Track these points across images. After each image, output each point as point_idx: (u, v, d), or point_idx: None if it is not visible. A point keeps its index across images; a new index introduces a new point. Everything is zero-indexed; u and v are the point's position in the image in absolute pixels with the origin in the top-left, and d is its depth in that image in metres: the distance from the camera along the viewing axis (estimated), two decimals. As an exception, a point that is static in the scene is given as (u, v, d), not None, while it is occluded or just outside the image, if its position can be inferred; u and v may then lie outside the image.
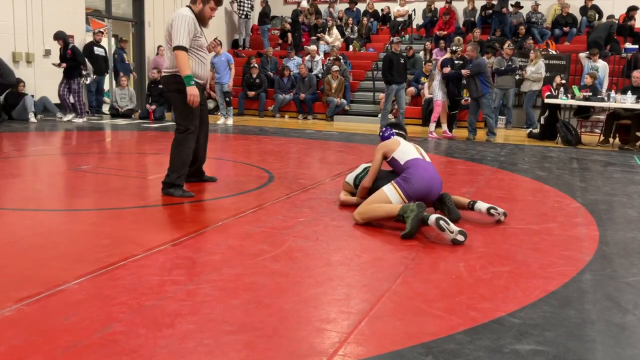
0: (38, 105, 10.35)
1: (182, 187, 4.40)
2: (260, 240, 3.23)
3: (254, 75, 12.67)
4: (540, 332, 2.17)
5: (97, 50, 11.53)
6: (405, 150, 3.90)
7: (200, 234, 3.35)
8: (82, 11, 11.72)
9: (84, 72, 10.35)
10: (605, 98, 9.00)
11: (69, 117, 10.15)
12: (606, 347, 2.07)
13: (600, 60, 11.23)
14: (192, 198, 4.30)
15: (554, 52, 12.53)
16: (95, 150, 7.09)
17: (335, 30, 14.67)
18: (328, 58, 13.39)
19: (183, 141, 4.41)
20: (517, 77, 11.15)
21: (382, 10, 15.69)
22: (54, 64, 10.17)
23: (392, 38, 14.17)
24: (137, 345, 1.95)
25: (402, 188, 3.66)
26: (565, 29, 13.63)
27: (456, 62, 9.50)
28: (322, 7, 16.06)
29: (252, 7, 15.45)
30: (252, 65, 12.72)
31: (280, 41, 15.53)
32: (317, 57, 13.55)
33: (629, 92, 8.75)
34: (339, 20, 15.47)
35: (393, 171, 3.98)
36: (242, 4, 15.12)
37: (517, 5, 13.78)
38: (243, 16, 15.32)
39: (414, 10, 14.94)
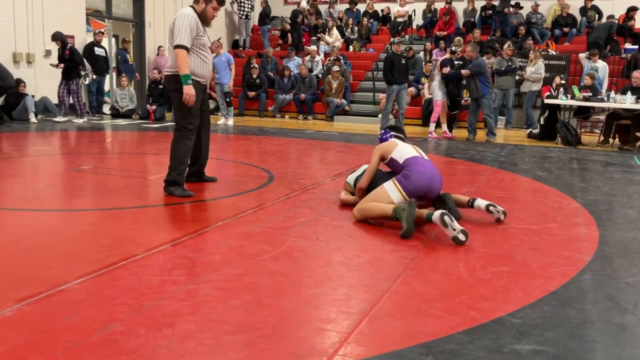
0: (38, 106, 10.35)
1: (182, 186, 4.42)
2: (260, 240, 3.23)
3: (254, 76, 12.67)
4: (540, 332, 2.17)
5: (98, 51, 11.53)
6: (403, 150, 3.91)
7: (200, 234, 3.35)
8: (83, 11, 11.72)
9: (82, 73, 10.32)
10: (605, 98, 9.01)
11: (63, 117, 10.07)
12: (606, 347, 2.07)
13: (600, 61, 11.23)
14: (192, 198, 4.30)
15: (554, 53, 12.53)
16: (95, 150, 7.09)
17: (335, 31, 14.67)
18: (328, 58, 13.40)
19: (181, 139, 4.43)
20: (517, 77, 11.16)
21: (382, 10, 15.70)
22: (52, 65, 10.16)
23: (392, 38, 14.20)
24: (137, 345, 1.95)
25: (403, 185, 3.67)
26: (565, 29, 13.63)
27: (456, 62, 9.50)
28: (322, 8, 16.06)
29: (252, 8, 15.45)
30: (252, 65, 12.72)
31: (280, 41, 15.53)
32: (317, 58, 13.55)
33: (629, 93, 8.75)
34: (339, 21, 15.47)
35: (392, 172, 3.99)
36: (242, 4, 15.12)
37: (517, 6, 13.78)
38: (243, 16, 15.32)
39: (414, 10, 14.94)
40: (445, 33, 13.89)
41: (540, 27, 13.70)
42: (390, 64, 9.71)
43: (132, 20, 13.26)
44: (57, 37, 9.88)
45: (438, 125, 9.69)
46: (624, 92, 8.89)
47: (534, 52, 11.28)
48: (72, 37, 11.35)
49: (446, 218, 3.27)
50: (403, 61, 9.83)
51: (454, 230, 3.27)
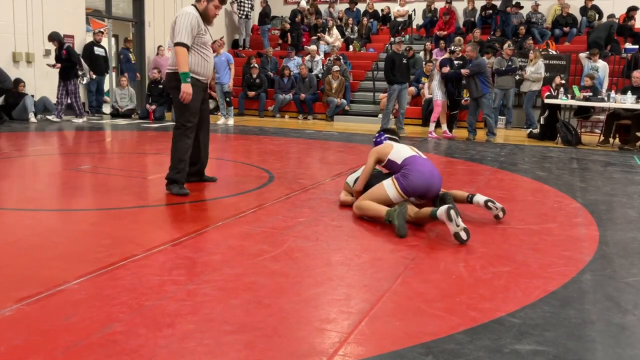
0: (38, 105, 10.35)
1: (180, 184, 4.44)
2: (260, 240, 3.23)
3: (254, 76, 12.67)
4: (540, 332, 2.17)
5: (97, 51, 11.53)
6: (400, 151, 3.92)
7: (200, 234, 3.35)
8: (82, 11, 11.72)
9: (79, 73, 10.26)
10: (605, 98, 9.00)
11: (56, 118, 9.99)
12: (606, 347, 2.07)
13: (600, 61, 11.23)
14: (192, 198, 4.30)
15: (554, 53, 12.53)
16: (95, 150, 7.09)
17: (335, 31, 14.67)
18: (328, 58, 13.39)
19: (180, 137, 4.46)
20: (517, 77, 11.16)
21: (382, 10, 15.69)
22: (48, 65, 10.11)
23: (392, 38, 14.19)
24: (137, 345, 1.95)
25: (401, 184, 3.69)
26: (565, 29, 13.63)
27: (456, 62, 9.50)
28: (322, 7, 16.06)
29: (252, 7, 15.45)
30: (252, 65, 12.72)
31: (280, 41, 15.53)
32: (317, 57, 13.55)
33: (629, 92, 8.75)
34: (339, 21, 15.47)
35: (390, 173, 3.98)
36: (242, 4, 15.12)
37: (517, 6, 13.78)
38: (243, 16, 15.31)
39: (414, 10, 14.94)
40: (445, 33, 13.89)
41: (540, 27, 13.70)
42: (392, 64, 9.70)
43: (132, 20, 13.26)
44: (54, 37, 9.86)
45: (438, 125, 9.69)
46: (624, 92, 8.89)
47: (534, 51, 11.28)
48: (72, 37, 11.36)
49: (452, 212, 3.27)
50: (404, 61, 9.82)
51: (458, 226, 3.27)
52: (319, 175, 5.60)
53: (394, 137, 4.30)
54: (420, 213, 3.59)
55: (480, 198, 3.90)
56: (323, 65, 13.38)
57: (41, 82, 10.58)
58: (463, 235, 3.27)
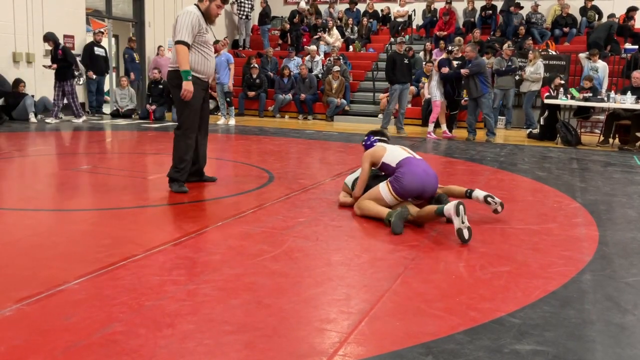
0: (38, 106, 10.34)
1: (180, 182, 4.48)
2: (260, 240, 3.23)
3: (254, 76, 12.67)
4: (540, 332, 2.17)
5: (98, 51, 11.52)
6: (394, 153, 3.92)
7: (200, 234, 3.35)
8: (82, 11, 11.72)
9: (76, 73, 10.18)
10: (605, 98, 9.00)
11: (54, 119, 9.93)
12: (606, 347, 2.08)
13: (600, 61, 11.23)
14: (192, 198, 4.30)
15: (554, 53, 12.53)
16: (95, 150, 7.09)
17: (335, 31, 14.67)
18: (328, 58, 13.40)
19: (182, 138, 4.50)
20: (517, 77, 11.16)
21: (382, 10, 15.70)
22: (44, 66, 10.06)
23: (392, 38, 14.19)
24: (137, 345, 1.95)
25: (394, 188, 3.71)
26: (565, 29, 13.63)
27: (455, 62, 9.49)
28: (322, 8, 16.06)
29: (252, 8, 15.44)
30: (252, 65, 12.71)
31: (280, 41, 15.54)
32: (317, 58, 13.55)
33: (629, 93, 8.75)
34: (338, 21, 15.47)
35: (386, 175, 3.98)
36: (242, 4, 15.12)
37: (517, 6, 13.78)
38: (243, 17, 15.31)
39: (414, 10, 14.94)
40: (445, 33, 13.90)
41: (540, 27, 13.70)
42: (393, 64, 9.70)
43: (132, 20, 13.27)
44: (49, 37, 9.79)
45: (437, 125, 9.69)
46: (624, 92, 8.89)
47: (533, 52, 11.28)
48: (72, 37, 11.36)
49: (461, 208, 3.28)
50: (406, 61, 9.81)
51: (463, 223, 3.27)
52: (319, 175, 5.60)
53: (383, 138, 4.30)
54: (424, 211, 3.59)
55: (479, 193, 3.93)
56: (323, 65, 13.38)
57: (41, 82, 10.57)
58: (466, 233, 3.28)
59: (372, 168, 4.04)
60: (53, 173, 5.47)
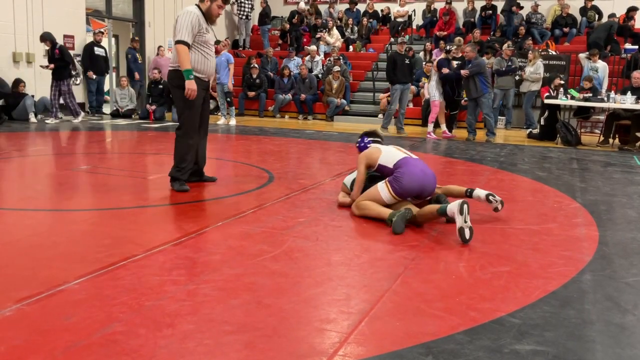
0: (38, 106, 10.34)
1: (181, 181, 4.52)
2: (260, 241, 3.23)
3: (254, 76, 12.67)
4: (540, 333, 2.17)
5: (98, 51, 11.53)
6: (390, 154, 3.91)
7: (200, 234, 3.35)
8: (82, 11, 11.72)
9: (73, 73, 10.15)
10: (605, 99, 9.01)
11: (54, 120, 9.93)
12: (606, 348, 2.08)
13: (600, 61, 11.23)
14: (192, 198, 4.30)
15: (554, 53, 12.53)
16: (95, 150, 7.09)
17: (335, 31, 14.67)
18: (328, 58, 13.40)
19: (183, 138, 4.53)
20: (517, 77, 11.16)
21: (382, 10, 15.70)
22: (42, 67, 10.04)
23: (392, 38, 14.18)
24: (137, 345, 1.95)
25: (394, 188, 3.70)
26: (565, 29, 13.64)
27: (455, 62, 9.49)
28: (322, 8, 16.06)
29: (252, 8, 15.45)
30: (252, 65, 12.71)
31: (280, 41, 15.54)
32: (317, 58, 13.55)
33: (629, 93, 8.75)
34: (339, 21, 15.47)
35: (384, 176, 3.96)
36: (242, 4, 15.12)
37: (518, 6, 13.79)
38: (243, 17, 15.31)
39: (414, 10, 14.94)
40: (445, 33, 13.90)
41: (540, 27, 13.70)
42: (393, 64, 9.70)
43: (132, 20, 13.27)
44: (46, 37, 9.74)
45: (437, 125, 9.69)
46: (624, 92, 8.89)
47: (533, 52, 11.28)
48: (72, 37, 11.36)
49: (465, 207, 3.27)
50: (407, 61, 9.80)
51: (465, 222, 3.26)
52: (318, 175, 5.60)
53: (377, 139, 4.29)
54: (424, 211, 3.59)
55: (481, 192, 3.94)
56: (323, 65, 13.38)
57: (41, 82, 10.57)
58: (467, 233, 3.27)
59: (369, 170, 4.03)
60: (53, 173, 5.47)
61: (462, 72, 8.95)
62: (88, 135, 8.54)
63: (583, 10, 13.75)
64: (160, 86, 11.26)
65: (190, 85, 4.32)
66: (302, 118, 12.60)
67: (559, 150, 8.43)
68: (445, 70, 9.16)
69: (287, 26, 15.24)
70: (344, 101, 12.36)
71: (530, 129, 10.52)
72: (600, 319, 2.33)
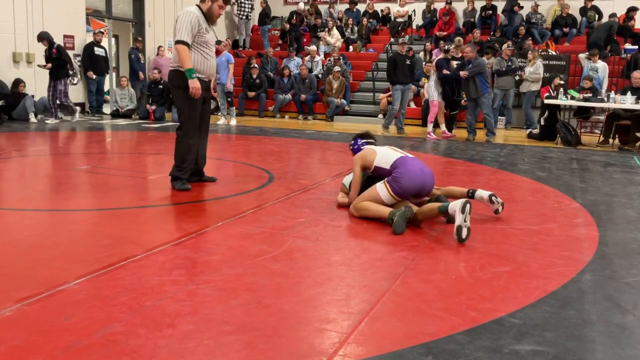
0: (38, 106, 10.33)
1: (183, 180, 4.53)
2: (260, 241, 3.23)
3: (254, 76, 12.67)
4: (540, 333, 2.17)
5: (97, 51, 11.52)
6: (385, 155, 3.90)
7: (200, 234, 3.35)
8: (82, 11, 11.72)
9: (70, 72, 10.09)
10: (605, 99, 9.01)
11: (54, 120, 9.91)
12: (606, 348, 2.08)
13: (600, 61, 11.23)
14: (192, 198, 4.31)
15: (554, 53, 12.53)
16: (95, 150, 7.09)
17: (335, 31, 14.67)
18: (328, 58, 13.39)
19: (183, 138, 4.54)
20: (517, 77, 11.17)
21: (381, 10, 15.70)
22: (39, 66, 10.02)
23: (392, 39, 14.18)
24: (137, 345, 1.95)
25: (393, 188, 3.70)
26: (565, 29, 13.63)
27: (455, 63, 9.48)
28: (322, 8, 16.06)
29: (252, 8, 15.45)
30: (252, 65, 12.71)
31: (280, 41, 15.54)
32: (317, 58, 13.55)
33: (629, 93, 8.75)
34: (338, 21, 15.47)
35: (380, 177, 3.96)
36: (242, 4, 15.12)
37: (518, 6, 13.79)
38: (243, 17, 15.31)
39: (414, 10, 14.94)
40: (445, 33, 13.90)
41: (540, 28, 13.70)
42: (394, 64, 9.70)
43: (132, 20, 13.27)
44: (43, 36, 9.70)
45: (437, 125, 9.69)
46: (623, 93, 8.89)
47: (533, 52, 11.28)
48: (72, 37, 11.36)
49: (468, 206, 3.28)
50: (407, 62, 9.79)
51: (465, 222, 3.26)
52: (319, 175, 5.60)
53: (370, 140, 4.28)
54: (425, 209, 3.59)
55: (483, 193, 3.95)
56: (323, 65, 13.38)
57: (41, 82, 10.56)
58: (464, 232, 3.27)
59: (365, 171, 4.02)
60: (53, 173, 5.47)
61: (461, 73, 8.94)
62: (88, 136, 8.54)
63: (583, 11, 13.75)
64: (160, 86, 11.25)
65: (193, 84, 4.32)
66: (302, 118, 12.60)
67: (559, 150, 8.43)
68: (446, 72, 9.16)
69: (287, 26, 15.24)
70: (344, 101, 12.36)
71: (530, 129, 10.52)
72: (600, 319, 2.33)
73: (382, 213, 3.65)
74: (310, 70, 13.12)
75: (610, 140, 9.28)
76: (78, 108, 10.29)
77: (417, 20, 15.13)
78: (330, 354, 1.95)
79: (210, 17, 4.51)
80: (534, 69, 10.93)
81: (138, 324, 2.10)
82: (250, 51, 15.01)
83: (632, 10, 12.88)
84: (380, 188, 3.75)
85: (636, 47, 12.25)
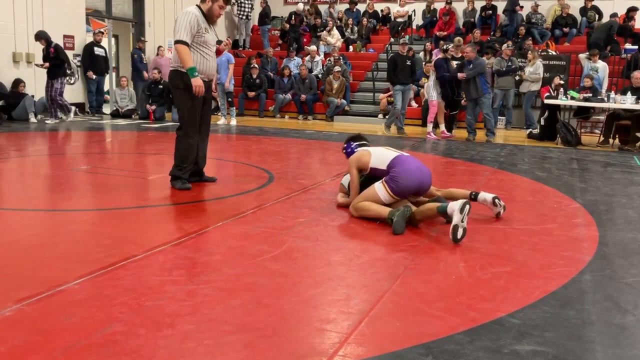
0: (38, 106, 10.33)
1: (183, 180, 4.53)
2: (260, 241, 3.23)
3: (254, 76, 12.67)
4: (540, 333, 2.17)
5: (97, 51, 11.52)
6: (380, 155, 3.90)
7: (200, 234, 3.35)
8: (82, 11, 11.72)
9: (68, 71, 10.06)
10: (605, 99, 9.01)
11: (54, 120, 9.90)
12: (606, 348, 2.08)
13: (600, 61, 11.24)
14: (192, 198, 4.30)
15: (554, 53, 12.53)
16: (95, 150, 7.09)
17: (335, 31, 14.67)
18: (328, 58, 13.39)
19: (183, 138, 4.54)
20: (517, 77, 11.17)
21: (381, 10, 15.70)
22: (37, 65, 10.00)
23: (392, 39, 14.17)
24: (137, 345, 1.95)
25: (391, 187, 3.70)
26: (565, 29, 13.64)
27: (455, 62, 9.48)
28: (322, 8, 16.06)
29: (252, 8, 15.45)
30: (252, 65, 12.71)
31: (280, 41, 15.54)
32: (317, 58, 13.55)
33: (629, 93, 8.75)
34: (338, 21, 15.47)
35: (377, 177, 3.95)
36: (242, 4, 15.12)
37: (519, 6, 13.78)
38: (243, 17, 15.31)
39: (414, 10, 14.94)
40: (445, 33, 13.90)
41: (540, 28, 13.70)
42: (394, 65, 9.70)
43: (132, 20, 13.27)
44: (41, 35, 9.67)
45: (437, 125, 9.69)
46: (624, 93, 8.89)
47: (532, 52, 11.28)
48: (72, 37, 11.36)
49: (467, 207, 3.27)
50: (408, 62, 9.79)
51: (462, 222, 3.26)
52: (318, 175, 5.60)
53: (363, 142, 4.26)
54: (424, 208, 3.59)
55: (487, 195, 3.95)
56: (323, 65, 13.38)
57: (41, 82, 10.55)
58: (460, 232, 3.27)
59: (361, 173, 4.02)
60: (53, 173, 5.47)
61: (459, 75, 8.95)
62: (88, 136, 8.54)
63: (583, 11, 13.75)
64: (160, 86, 11.25)
65: (196, 82, 4.33)
66: (302, 118, 12.60)
67: (559, 150, 8.43)
68: (444, 73, 9.16)
69: (288, 26, 15.24)
70: (344, 101, 12.36)
71: (530, 129, 10.52)
72: (600, 319, 2.33)
73: (381, 213, 3.66)
74: (310, 70, 13.12)
75: (610, 141, 9.28)
76: (73, 107, 10.23)
77: (417, 20, 15.12)
78: (330, 354, 1.95)
79: (210, 17, 4.52)
80: (534, 69, 10.93)
81: (138, 324, 2.10)
82: (250, 51, 15.01)
83: (632, 10, 12.88)
84: (379, 188, 3.75)
85: (636, 47, 12.25)
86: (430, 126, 9.56)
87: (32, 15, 10.43)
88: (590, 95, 9.23)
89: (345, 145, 4.33)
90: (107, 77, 12.49)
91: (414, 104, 11.74)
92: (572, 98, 9.30)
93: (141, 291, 2.42)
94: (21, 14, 10.27)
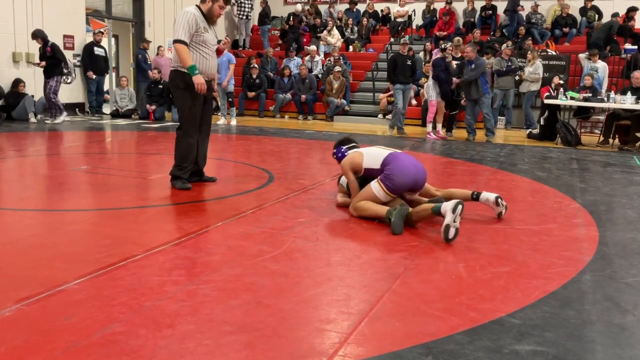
0: (38, 106, 10.33)
1: (183, 179, 4.54)
2: (260, 241, 3.23)
3: (254, 76, 12.67)
4: (540, 333, 2.17)
5: (97, 51, 11.52)
6: (373, 155, 3.89)
7: (200, 234, 3.35)
8: (82, 11, 11.72)
9: (64, 71, 9.99)
10: (605, 99, 9.01)
11: (53, 120, 9.84)
12: (606, 348, 2.08)
13: (600, 61, 11.24)
14: (192, 198, 4.30)
15: (554, 53, 12.53)
16: (95, 150, 7.09)
17: (335, 31, 14.68)
18: (328, 58, 13.39)
19: (183, 137, 4.55)
20: (517, 77, 11.17)
21: (381, 10, 15.70)
22: (33, 64, 9.96)
23: (392, 39, 14.17)
24: (137, 345, 1.95)
25: (387, 185, 3.70)
26: (565, 29, 13.64)
27: (454, 62, 9.48)
28: (322, 8, 16.06)
29: (252, 8, 15.45)
30: (252, 65, 12.71)
31: (280, 41, 15.54)
32: (317, 58, 13.55)
33: (629, 93, 8.75)
34: (338, 21, 15.47)
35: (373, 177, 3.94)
36: (242, 4, 15.11)
37: (520, 6, 13.78)
38: (243, 17, 15.31)
39: (414, 10, 14.94)
40: (445, 33, 13.90)
41: (540, 28, 13.70)
42: (394, 65, 9.70)
43: (132, 20, 13.27)
44: (37, 34, 9.63)
45: (435, 126, 9.68)
46: (623, 93, 8.89)
47: (532, 52, 11.29)
48: (72, 37, 11.36)
49: (460, 207, 3.27)
50: (408, 62, 9.79)
51: (454, 222, 3.26)
52: (318, 175, 5.60)
53: (352, 144, 4.23)
54: (420, 209, 3.59)
55: (489, 195, 3.94)
56: (323, 65, 13.38)
57: (41, 82, 10.54)
58: (451, 232, 3.27)
59: (356, 175, 4.00)
60: (53, 173, 5.47)
61: (454, 80, 9.00)
62: (88, 135, 8.54)
63: (583, 11, 13.75)
64: (160, 86, 11.25)
65: (197, 80, 4.33)
66: (302, 118, 12.60)
67: (559, 150, 8.43)
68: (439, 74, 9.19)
69: (287, 26, 15.24)
70: (344, 101, 12.36)
71: (530, 129, 10.52)
72: (600, 319, 2.33)
73: (379, 212, 3.66)
74: (310, 70, 13.12)
75: (610, 140, 9.28)
76: (64, 112, 10.09)
77: (417, 20, 15.12)
78: (330, 354, 1.95)
79: (210, 17, 4.53)
80: (534, 69, 10.93)
81: (138, 324, 2.10)
82: (250, 51, 15.01)
83: (632, 10, 12.88)
84: (375, 187, 3.75)
85: (636, 47, 12.25)
86: (429, 126, 9.56)
87: (32, 15, 10.43)
88: (590, 95, 9.24)
89: (335, 150, 4.27)
90: (107, 77, 12.49)
91: (413, 102, 11.73)
92: (572, 98, 9.30)
93: (141, 291, 2.42)
94: (21, 14, 10.27)
